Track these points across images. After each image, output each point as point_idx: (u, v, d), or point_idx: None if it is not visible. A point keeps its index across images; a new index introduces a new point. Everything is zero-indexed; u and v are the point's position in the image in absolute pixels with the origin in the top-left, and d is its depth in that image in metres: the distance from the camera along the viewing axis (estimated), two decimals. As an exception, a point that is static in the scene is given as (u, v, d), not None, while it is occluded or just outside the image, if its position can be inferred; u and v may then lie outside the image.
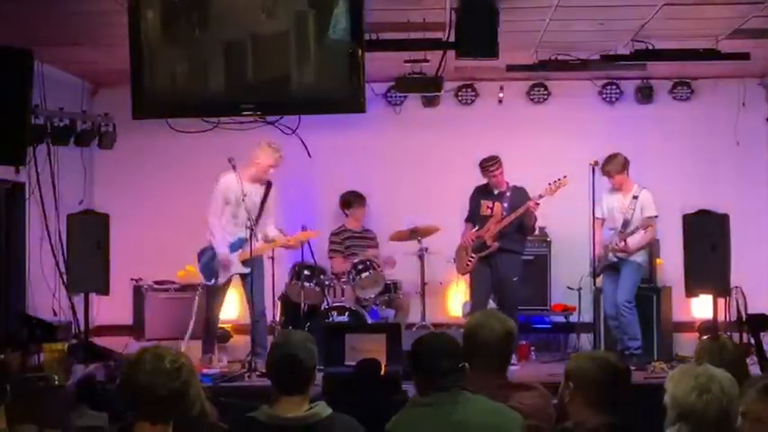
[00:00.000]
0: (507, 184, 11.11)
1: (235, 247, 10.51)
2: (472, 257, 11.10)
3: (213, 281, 10.60)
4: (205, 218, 10.56)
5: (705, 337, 6.66)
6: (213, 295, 10.73)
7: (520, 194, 10.99)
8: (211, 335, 10.78)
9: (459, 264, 11.37)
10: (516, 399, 4.96)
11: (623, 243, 10.67)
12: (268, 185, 10.62)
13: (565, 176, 10.73)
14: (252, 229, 10.18)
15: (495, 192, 11.11)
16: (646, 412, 4.50)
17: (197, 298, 11.13)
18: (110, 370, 9.49)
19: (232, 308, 11.66)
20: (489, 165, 11.03)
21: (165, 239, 12.15)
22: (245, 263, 10.46)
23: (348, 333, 9.86)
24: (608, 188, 10.92)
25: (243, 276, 10.60)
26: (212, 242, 10.56)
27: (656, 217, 10.78)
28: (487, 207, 11.12)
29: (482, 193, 11.22)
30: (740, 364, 5.35)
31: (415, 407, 4.83)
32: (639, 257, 10.83)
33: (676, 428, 4.10)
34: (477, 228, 11.16)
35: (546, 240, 12.47)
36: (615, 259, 10.79)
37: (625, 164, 10.82)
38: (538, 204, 10.85)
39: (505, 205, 10.99)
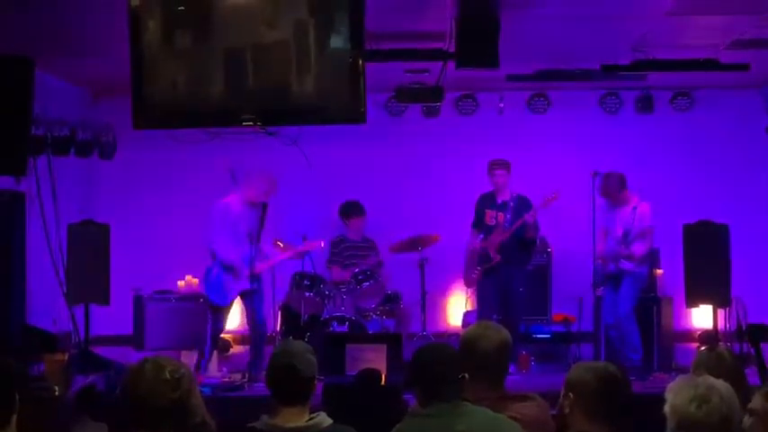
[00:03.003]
0: (511, 193, 11.11)
1: (241, 266, 10.50)
2: (477, 270, 11.11)
3: (225, 302, 10.59)
4: (209, 248, 10.59)
5: (703, 347, 6.64)
6: (220, 314, 10.73)
7: (523, 204, 11.00)
8: (211, 351, 10.78)
9: (465, 275, 11.40)
10: (514, 409, 4.95)
11: (629, 251, 10.64)
12: (265, 207, 10.56)
13: (557, 191, 10.75)
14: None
15: (499, 200, 11.12)
16: (646, 423, 4.50)
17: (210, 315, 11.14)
18: (110, 380, 9.48)
19: (232, 318, 11.64)
20: (495, 164, 11.06)
21: (165, 249, 12.16)
22: (252, 280, 10.47)
23: (348, 343, 9.85)
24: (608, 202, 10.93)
25: (245, 293, 10.59)
26: (218, 259, 10.56)
27: (653, 227, 10.75)
28: (491, 217, 11.14)
29: (486, 201, 11.24)
30: (738, 374, 5.35)
31: (415, 418, 4.82)
32: (640, 268, 10.83)
33: (676, 439, 4.11)
34: (482, 237, 11.18)
35: (546, 250, 12.46)
36: (617, 270, 10.76)
37: (621, 181, 10.80)
38: (533, 218, 10.86)
39: (508, 216, 11.00)
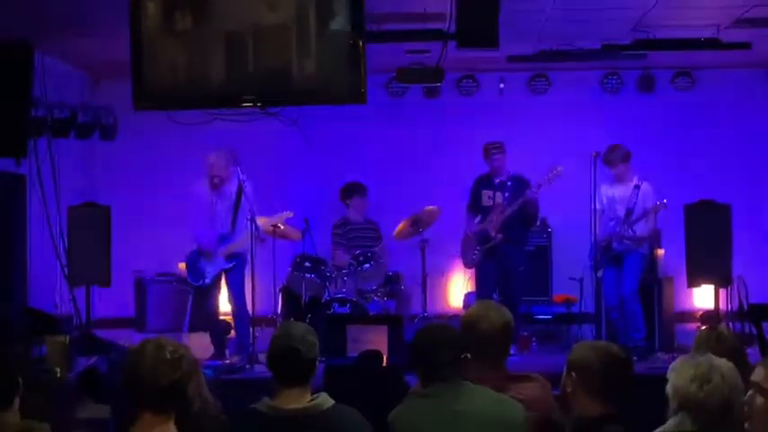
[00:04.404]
0: (508, 173, 11.09)
1: (217, 245, 10.56)
2: (477, 250, 11.10)
3: (201, 282, 10.66)
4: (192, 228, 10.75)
5: (703, 327, 6.65)
6: (204, 296, 10.80)
7: (520, 183, 10.97)
8: (214, 333, 10.80)
9: (464, 256, 11.38)
10: (515, 390, 4.96)
11: (632, 231, 10.61)
12: (240, 184, 10.55)
13: (560, 166, 10.71)
14: (253, 222, 10.22)
15: (496, 181, 11.09)
16: (648, 402, 4.50)
17: (191, 296, 11.21)
18: (112, 362, 9.50)
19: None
20: (492, 148, 11.03)
21: (166, 231, 12.13)
22: (227, 258, 10.52)
23: (350, 325, 9.85)
24: (606, 180, 10.87)
25: (225, 272, 10.64)
26: (196, 242, 10.69)
27: (663, 204, 10.68)
28: (488, 197, 11.11)
29: (483, 182, 11.21)
30: (738, 353, 5.35)
31: (415, 398, 4.83)
32: (642, 248, 10.81)
33: (678, 418, 4.10)
34: (479, 218, 11.16)
35: (547, 231, 12.46)
36: (620, 249, 10.73)
37: (627, 155, 10.78)
38: (535, 194, 10.84)
39: (506, 195, 10.98)
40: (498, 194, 11.04)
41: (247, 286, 10.58)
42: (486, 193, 11.14)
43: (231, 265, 10.55)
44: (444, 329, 4.97)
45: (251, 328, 10.46)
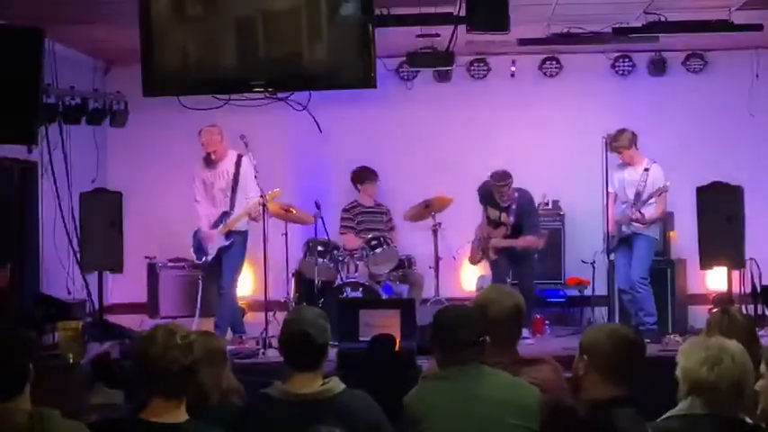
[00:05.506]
0: (513, 197, 11.09)
1: (217, 223, 10.64)
2: (481, 254, 11.26)
3: (204, 259, 10.79)
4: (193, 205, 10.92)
5: (715, 309, 6.63)
6: (210, 278, 10.90)
7: (524, 201, 11.08)
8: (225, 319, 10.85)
9: (471, 256, 11.54)
10: (527, 373, 4.96)
11: (639, 214, 10.58)
12: (238, 162, 10.61)
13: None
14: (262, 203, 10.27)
15: (502, 205, 11.14)
16: (660, 385, 4.50)
17: (200, 278, 11.26)
18: (125, 348, 9.53)
19: (247, 284, 11.67)
20: (499, 182, 10.97)
21: (177, 217, 12.13)
22: (226, 235, 10.62)
23: (362, 309, 9.86)
24: (617, 163, 10.83)
25: (223, 251, 10.72)
26: (199, 224, 10.83)
27: (667, 187, 10.66)
28: (495, 215, 11.21)
29: (489, 200, 11.22)
30: (750, 335, 5.34)
31: (433, 380, 4.84)
32: (653, 231, 10.77)
33: (689, 401, 4.10)
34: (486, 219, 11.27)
35: (559, 214, 12.43)
36: (629, 232, 10.71)
37: (633, 139, 10.73)
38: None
39: (511, 218, 11.06)
40: (504, 215, 11.12)
41: (260, 271, 10.59)
42: (492, 211, 11.22)
43: (229, 242, 10.61)
44: (465, 311, 4.97)
45: (234, 312, 10.78)
